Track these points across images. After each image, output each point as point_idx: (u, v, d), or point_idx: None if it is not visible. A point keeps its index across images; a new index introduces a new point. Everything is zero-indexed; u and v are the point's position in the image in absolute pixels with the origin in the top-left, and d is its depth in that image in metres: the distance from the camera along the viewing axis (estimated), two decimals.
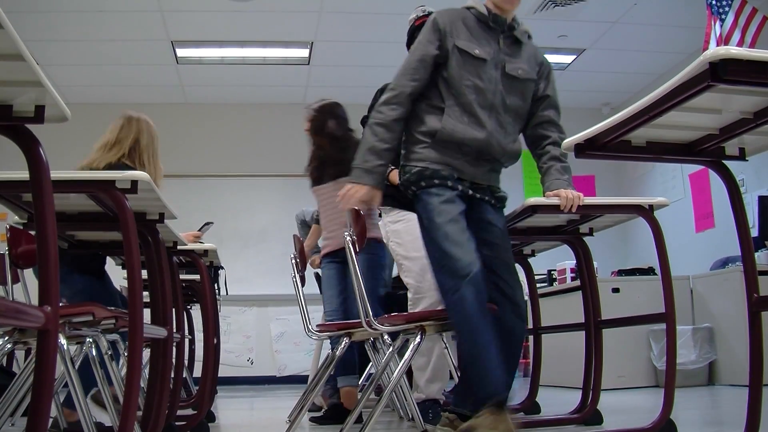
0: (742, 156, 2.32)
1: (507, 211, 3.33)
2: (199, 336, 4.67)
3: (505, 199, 3.04)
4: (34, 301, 1.54)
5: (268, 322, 8.63)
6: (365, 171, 2.86)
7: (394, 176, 3.64)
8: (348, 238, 2.96)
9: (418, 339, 2.88)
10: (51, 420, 3.29)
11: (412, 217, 3.65)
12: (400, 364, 2.94)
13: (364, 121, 3.86)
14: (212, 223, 5.07)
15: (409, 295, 3.61)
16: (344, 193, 2.88)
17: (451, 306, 2.66)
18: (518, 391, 5.20)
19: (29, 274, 3.49)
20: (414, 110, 2.93)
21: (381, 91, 3.78)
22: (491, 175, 2.97)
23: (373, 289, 4.05)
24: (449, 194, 2.80)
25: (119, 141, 3.90)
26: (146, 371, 3.08)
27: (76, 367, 2.65)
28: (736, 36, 5.39)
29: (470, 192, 2.87)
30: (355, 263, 2.98)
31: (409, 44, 3.68)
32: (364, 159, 2.87)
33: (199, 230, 4.72)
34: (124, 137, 3.92)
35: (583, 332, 3.54)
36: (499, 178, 3.05)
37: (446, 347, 3.62)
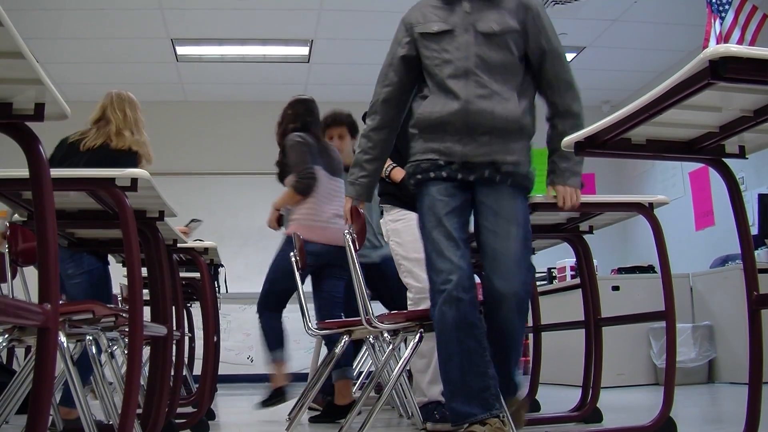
0: (742, 154, 2.32)
1: None
2: (199, 334, 4.67)
3: (520, 174, 2.72)
4: (34, 298, 1.55)
5: None
6: (350, 184, 3.00)
7: (396, 174, 3.64)
8: (348, 236, 2.97)
9: (417, 337, 2.88)
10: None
11: (413, 216, 3.65)
12: (400, 362, 2.94)
13: (364, 117, 3.88)
14: (201, 221, 5.04)
15: (409, 296, 3.59)
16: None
17: (432, 318, 2.67)
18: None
19: (29, 271, 3.50)
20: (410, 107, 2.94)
21: None
22: (495, 148, 2.68)
23: (268, 280, 4.34)
24: (435, 189, 2.70)
25: (137, 121, 3.98)
26: (146, 369, 3.08)
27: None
28: (736, 34, 5.39)
29: (459, 176, 2.70)
30: (355, 261, 2.99)
31: None
32: (351, 172, 3.01)
33: (186, 226, 4.72)
34: (138, 118, 4.01)
35: (583, 330, 3.54)
36: (516, 148, 2.71)
37: None
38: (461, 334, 2.55)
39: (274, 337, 4.39)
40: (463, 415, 2.51)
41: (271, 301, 4.40)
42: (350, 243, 2.96)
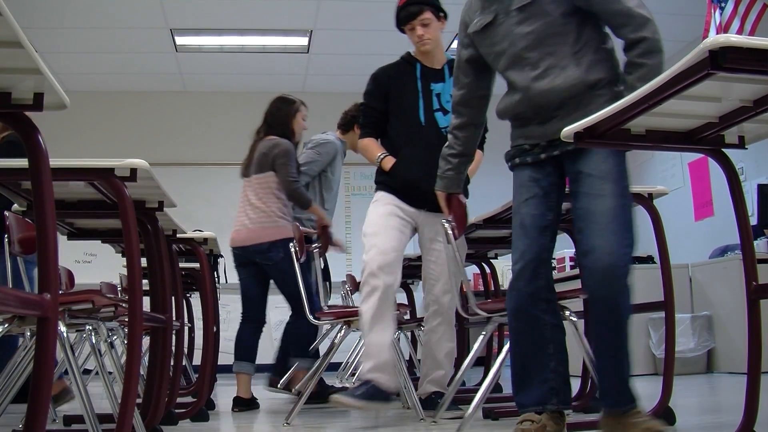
0: (741, 144, 2.32)
1: (506, 199, 3.32)
2: (198, 324, 4.68)
3: None
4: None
5: (267, 310, 8.61)
6: (438, 177, 3.00)
7: (386, 163, 3.66)
8: (447, 225, 3.00)
9: None
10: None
11: (380, 195, 3.65)
12: (501, 354, 2.94)
13: (364, 108, 3.85)
14: None
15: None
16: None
17: None
18: None
19: None
20: None
21: (374, 77, 3.80)
22: (575, 116, 2.41)
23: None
24: (521, 175, 2.63)
25: None
26: (146, 359, 3.08)
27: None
28: (736, 24, 5.38)
29: (542, 156, 2.57)
30: (455, 248, 3.07)
31: (398, 24, 3.70)
32: (439, 166, 2.99)
33: None
34: None
35: (582, 321, 3.54)
36: (595, 107, 2.39)
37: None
38: (520, 324, 2.55)
39: (237, 347, 4.50)
40: (518, 404, 2.53)
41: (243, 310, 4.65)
42: (448, 232, 3.00)
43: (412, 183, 3.58)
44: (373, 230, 3.54)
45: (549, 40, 2.55)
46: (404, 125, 3.70)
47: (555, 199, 2.62)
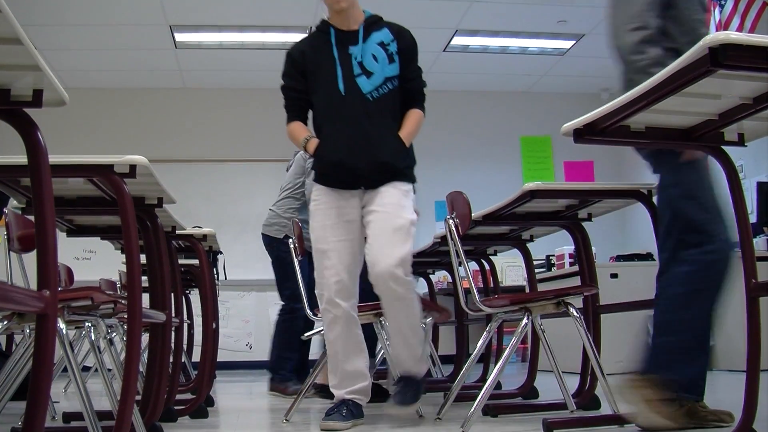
0: (741, 142, 2.32)
1: (505, 196, 3.33)
2: (197, 321, 4.68)
3: None
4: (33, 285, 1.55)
5: (267, 307, 8.62)
6: None
7: (311, 145, 3.26)
8: (451, 222, 2.91)
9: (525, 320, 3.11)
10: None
11: (320, 196, 3.26)
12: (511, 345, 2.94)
13: (283, 90, 3.42)
14: None
15: (317, 291, 3.29)
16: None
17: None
18: (516, 376, 5.21)
19: (28, 258, 3.50)
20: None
21: (288, 55, 3.44)
22: None
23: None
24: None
25: None
26: (145, 356, 3.08)
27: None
28: (736, 21, 5.39)
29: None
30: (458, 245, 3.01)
31: None
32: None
33: None
34: None
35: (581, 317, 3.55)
36: None
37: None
38: (719, 298, 2.60)
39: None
40: (684, 378, 2.77)
41: None
42: (452, 229, 2.95)
43: (338, 164, 3.21)
44: (323, 247, 3.20)
45: None
46: (324, 99, 3.28)
47: None
